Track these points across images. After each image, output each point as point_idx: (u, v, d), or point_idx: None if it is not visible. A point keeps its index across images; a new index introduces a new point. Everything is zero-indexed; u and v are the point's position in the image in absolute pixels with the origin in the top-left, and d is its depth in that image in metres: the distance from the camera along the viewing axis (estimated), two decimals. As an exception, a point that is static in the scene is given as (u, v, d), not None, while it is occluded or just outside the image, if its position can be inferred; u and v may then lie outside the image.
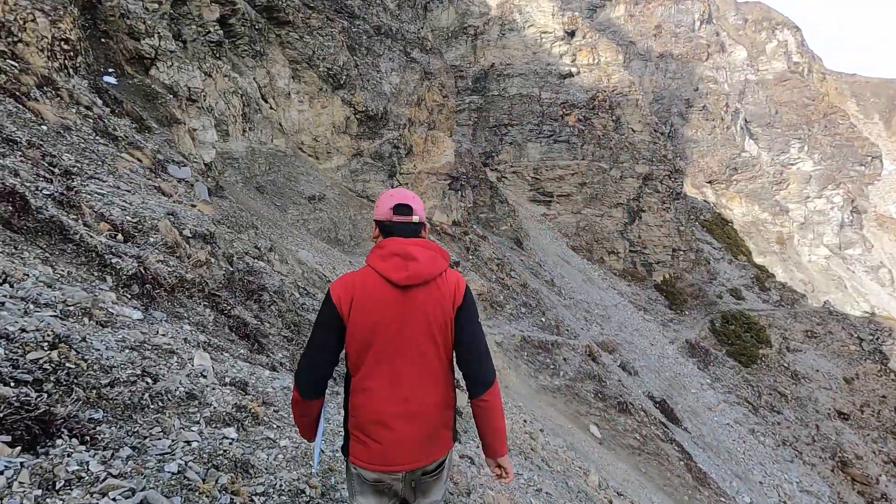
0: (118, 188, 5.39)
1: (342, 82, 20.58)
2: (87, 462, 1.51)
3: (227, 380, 3.46)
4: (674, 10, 78.27)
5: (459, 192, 26.36)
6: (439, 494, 1.86)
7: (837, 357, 35.13)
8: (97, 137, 8.24)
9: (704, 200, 54.63)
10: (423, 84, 23.43)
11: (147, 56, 12.06)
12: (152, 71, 12.32)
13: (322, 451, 1.97)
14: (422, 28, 24.40)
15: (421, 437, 1.71)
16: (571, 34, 38.99)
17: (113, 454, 1.64)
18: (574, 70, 38.62)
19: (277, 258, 10.77)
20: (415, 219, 1.77)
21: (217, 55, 17.44)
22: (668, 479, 19.77)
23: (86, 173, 5.25)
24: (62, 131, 6.34)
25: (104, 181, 5.31)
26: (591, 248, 36.79)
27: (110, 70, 11.84)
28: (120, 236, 4.47)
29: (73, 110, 8.85)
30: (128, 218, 4.93)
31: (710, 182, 73.23)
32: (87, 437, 1.61)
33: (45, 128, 5.98)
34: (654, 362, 29.97)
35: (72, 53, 9.63)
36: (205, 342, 4.12)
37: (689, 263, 39.77)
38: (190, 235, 5.50)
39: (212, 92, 17.10)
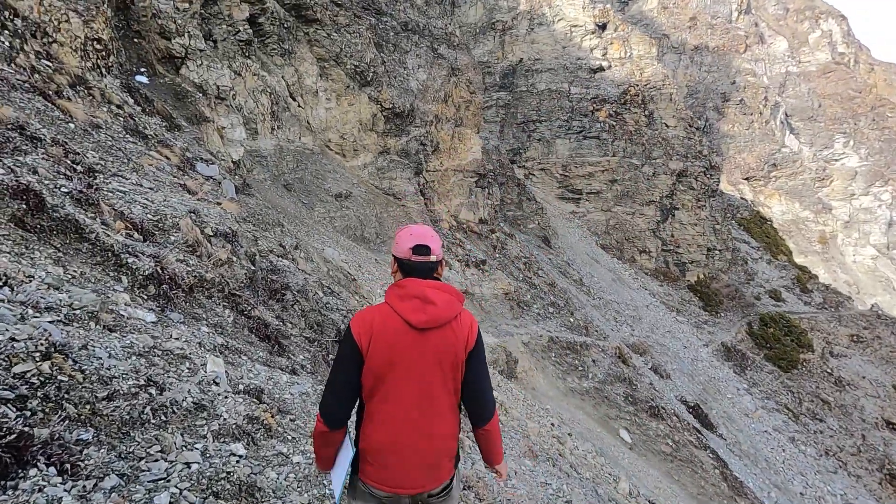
0: (141, 186, 5.33)
1: (369, 79, 20.51)
2: (60, 498, 1.32)
3: (242, 387, 3.30)
4: (710, 0, 75.66)
5: (486, 190, 26.02)
6: None
7: (886, 363, 33.23)
8: (126, 135, 8.30)
9: (742, 198, 52.64)
10: (450, 80, 23.17)
11: (177, 55, 12.19)
12: (182, 70, 12.45)
13: (346, 483, 1.93)
14: (449, 24, 24.13)
15: (425, 465, 1.84)
16: (603, 27, 38.02)
17: (95, 484, 1.45)
18: (605, 64, 37.65)
19: (302, 256, 10.72)
20: (433, 258, 1.84)
21: (246, 54, 17.60)
22: (702, 488, 19.02)
23: (109, 171, 5.20)
24: (90, 129, 6.36)
25: (127, 179, 5.25)
26: (621, 246, 35.85)
27: (142, 69, 12.02)
28: (138, 235, 4.38)
29: (105, 109, 8.95)
30: (148, 216, 4.85)
31: (747, 179, 70.62)
32: (68, 465, 1.42)
33: (72, 125, 5.99)
34: (688, 365, 28.97)
35: (104, 53, 9.76)
36: (222, 345, 3.97)
37: (725, 263, 38.32)
38: (212, 234, 5.40)
39: (241, 91, 17.27)
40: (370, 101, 20.78)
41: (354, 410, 1.90)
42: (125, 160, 5.72)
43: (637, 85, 36.49)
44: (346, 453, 1.87)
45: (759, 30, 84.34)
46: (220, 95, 12.88)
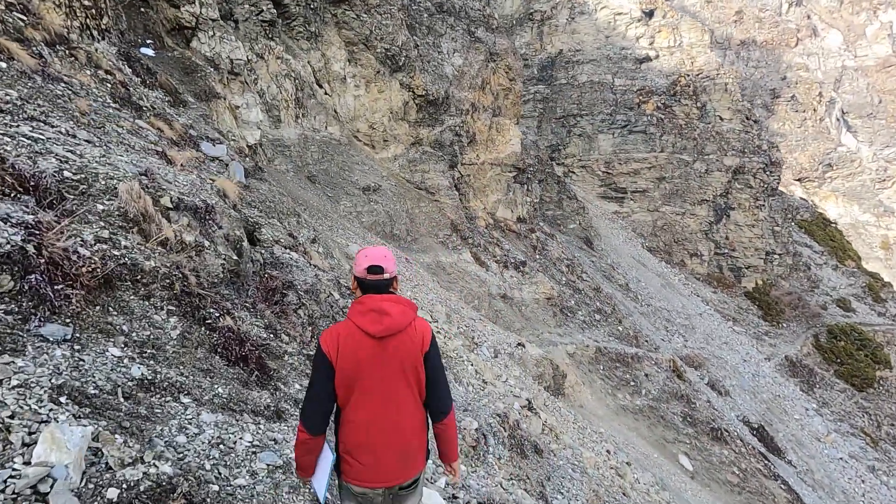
0: (73, 137, 3.71)
1: (401, 64, 18.94)
2: None
3: (125, 479, 1.56)
4: (758, -8, 71.43)
5: (525, 186, 24.05)
6: (414, 502, 2.22)
7: (977, 384, 29.33)
8: (109, 101, 6.84)
9: (801, 198, 48.74)
10: (487, 66, 21.38)
11: (187, 25, 10.86)
12: (193, 43, 11.12)
13: (330, 485, 2.06)
14: (487, 5, 22.36)
15: (397, 459, 2.05)
16: (650, 14, 35.49)
17: None
18: (652, 53, 35.10)
19: (320, 251, 9.10)
20: (386, 276, 2.03)
21: (270, 35, 16.29)
22: (778, 527, 16.49)
23: (25, 114, 3.61)
24: (36, 76, 4.86)
25: (52, 126, 3.65)
26: (669, 249, 33.14)
27: (148, 41, 10.73)
28: (28, 196, 2.72)
29: (88, 73, 7.53)
30: (68, 173, 3.19)
31: (798, 180, 65.95)
32: None
33: (3, 65, 4.49)
34: (748, 381, 26.14)
35: (94, 13, 8.43)
36: (133, 383, 2.26)
37: (786, 269, 35.00)
38: (171, 206, 3.74)
39: (263, 75, 15.96)
40: (402, 87, 19.20)
41: (333, 418, 2.08)
42: (62, 107, 4.14)
43: (688, 75, 33.79)
44: (327, 458, 2.07)
45: (812, 23, 79.18)
46: (234, 70, 11.49)
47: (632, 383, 19.26)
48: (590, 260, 27.73)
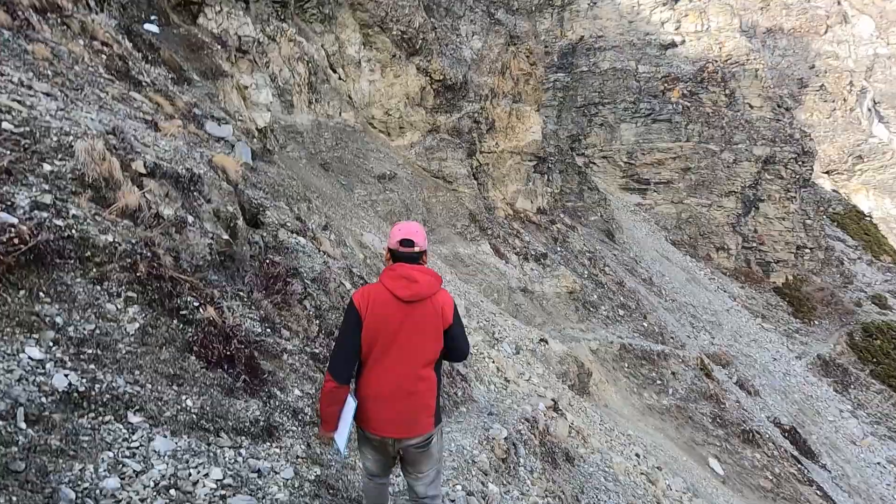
0: (28, 87, 3.06)
1: (417, 47, 18.17)
2: None
3: None
4: (788, -23, 68.76)
5: (546, 176, 23.15)
6: (427, 467, 2.32)
7: None
8: (101, 72, 6.24)
9: (833, 190, 46.80)
10: (507, 50, 20.48)
11: (194, 0, 10.25)
12: (200, 19, 10.53)
13: (351, 433, 2.24)
14: (507, -14, 21.43)
15: (406, 414, 2.18)
16: (675, -2, 34.07)
17: None
18: (678, 39, 33.70)
19: (332, 238, 8.45)
20: (416, 249, 2.24)
21: (282, 17, 15.66)
22: (816, 537, 15.52)
23: (-32, 58, 2.98)
24: (3, 30, 4.24)
25: (2, 73, 2.99)
26: (694, 243, 31.90)
27: (153, 17, 10.15)
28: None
29: (81, 42, 6.94)
30: (7, 125, 2.54)
31: (826, 172, 63.50)
32: None
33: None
34: (779, 381, 24.99)
35: (91, -20, 7.85)
36: (53, 398, 1.56)
37: (817, 263, 33.48)
38: (145, 172, 3.07)
39: (275, 58, 15.34)
40: (418, 72, 18.43)
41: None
42: (21, 57, 3.50)
43: (716, 61, 32.36)
44: (350, 408, 2.19)
45: (842, 9, 76.03)
46: (243, 48, 10.88)
47: (658, 382, 18.38)
48: (612, 253, 26.73)
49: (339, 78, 17.87)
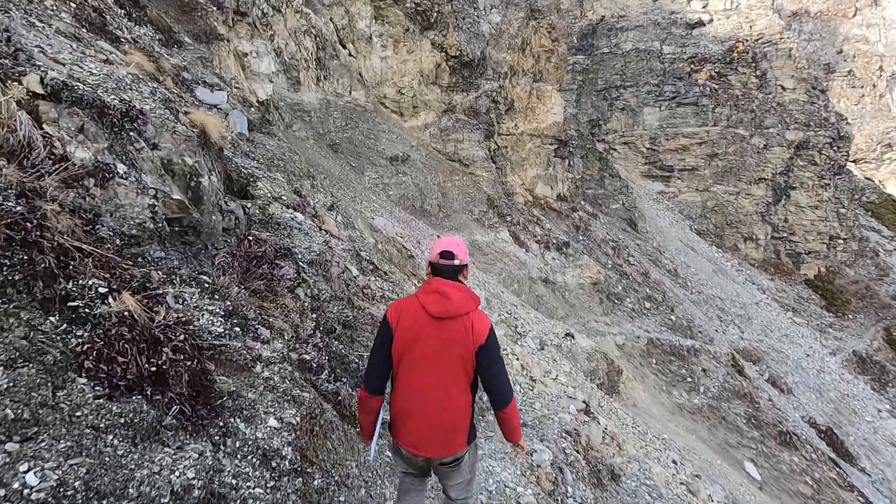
0: None
1: (432, 21, 16.98)
2: None
3: None
4: (819, -46, 65.93)
5: (567, 161, 21.90)
6: (458, 480, 2.28)
7: None
8: (63, 16, 5.23)
9: (867, 178, 44.69)
10: (528, 24, 19.19)
11: (187, -43, 9.21)
12: (194, -21, 9.48)
13: (378, 443, 2.32)
14: (528, -43, 20.06)
15: (435, 434, 2.11)
16: (703, -26, 32.25)
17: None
18: (706, 17, 31.95)
19: (339, 220, 7.44)
20: (456, 262, 2.16)
21: (287, -14, 14.59)
22: (862, 549, 14.34)
23: None
24: None
25: None
26: (721, 232, 30.41)
27: (142, -24, 9.14)
28: None
29: (45, -13, 5.93)
30: None
31: (854, 161, 61.12)
32: None
33: None
34: (813, 378, 23.64)
35: (63, -79, 6.84)
36: None
37: (851, 255, 31.79)
38: (45, 93, 2.09)
39: (281, 30, 14.31)
40: (433, 48, 17.27)
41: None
42: None
43: (746, 40, 30.59)
44: (381, 418, 2.24)
45: (873, -10, 72.73)
46: (241, 10, 9.85)
47: (688, 379, 17.23)
48: (634, 243, 25.44)
49: (350, 54, 16.79)
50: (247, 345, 2.34)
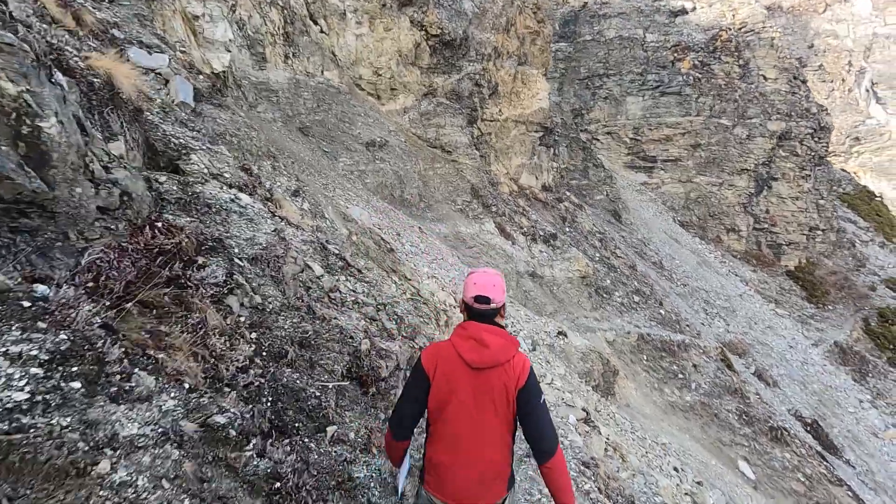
0: None
1: (411, -4, 15.77)
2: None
3: None
4: (793, -52, 66.54)
5: (552, 150, 21.02)
6: None
7: None
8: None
9: (842, 170, 45.26)
10: (513, 3, 18.13)
11: None
12: (134, -73, 8.10)
13: (405, 485, 2.29)
14: (512, -68, 18.95)
15: (475, 484, 2.00)
16: (686, -39, 31.69)
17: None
18: (689, 5, 31.46)
19: (305, 207, 6.31)
20: (492, 306, 2.02)
21: (250, -48, 13.18)
22: (859, 548, 13.98)
23: None
24: None
25: None
26: (704, 224, 30.12)
27: (68, -80, 7.71)
28: None
29: None
30: None
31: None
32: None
33: None
34: (797, 370, 23.52)
35: None
36: None
37: (829, 246, 31.96)
38: None
39: (244, 1, 12.93)
40: (412, 25, 16.06)
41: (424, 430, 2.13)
42: None
43: (729, 28, 30.19)
44: (405, 466, 2.25)
45: (842, -14, 74.00)
46: (189, -35, 8.51)
47: (680, 376, 16.65)
48: (620, 235, 24.84)
49: (321, 30, 15.46)
50: (87, 419, 1.24)
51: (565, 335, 11.57)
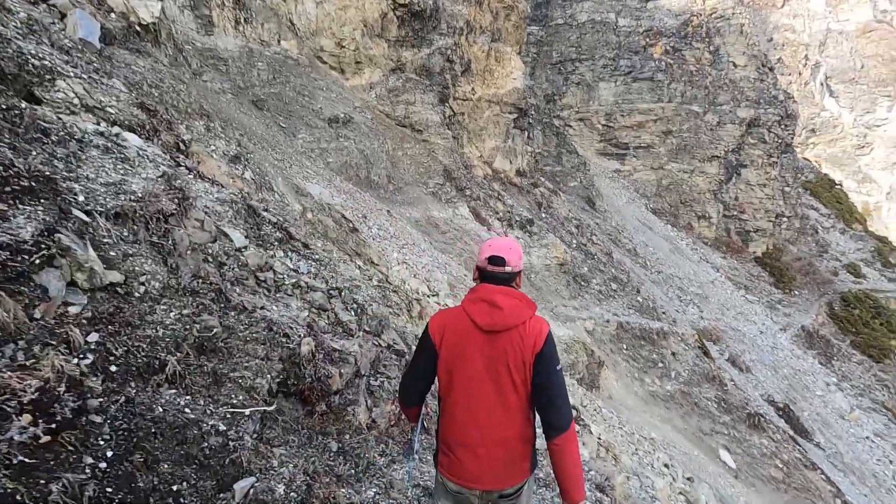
0: None
1: (377, -40, 14.52)
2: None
3: None
4: (756, -60, 67.73)
5: (526, 133, 20.18)
6: None
7: None
8: None
9: (804, 158, 46.32)
10: (486, -25, 17.08)
11: None
12: None
13: (413, 470, 2.24)
14: None
15: (495, 463, 1.80)
16: (658, -55, 31.27)
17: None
18: (660, -10, 31.10)
19: (245, 176, 5.17)
20: (507, 269, 1.84)
21: None
22: (838, 534, 13.86)
23: None
24: None
25: None
26: (676, 211, 30.04)
27: None
28: None
29: None
30: None
31: (783, 145, 64.18)
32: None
33: None
34: (768, 356, 23.66)
35: None
36: None
37: (794, 233, 32.50)
38: None
39: (185, -45, 11.43)
40: (378, -7, 14.81)
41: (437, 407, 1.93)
42: None
43: (700, 14, 30.00)
44: (416, 446, 2.04)
45: (799, -18, 76.14)
46: None
47: (660, 364, 16.20)
48: (594, 222, 24.34)
49: (277, -4, 14.03)
50: None
51: (547, 325, 10.75)
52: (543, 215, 18.50)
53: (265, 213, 3.07)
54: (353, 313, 2.92)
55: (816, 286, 29.50)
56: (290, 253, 2.92)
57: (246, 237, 2.57)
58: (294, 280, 2.69)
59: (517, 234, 15.60)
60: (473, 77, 17.11)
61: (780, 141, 30.26)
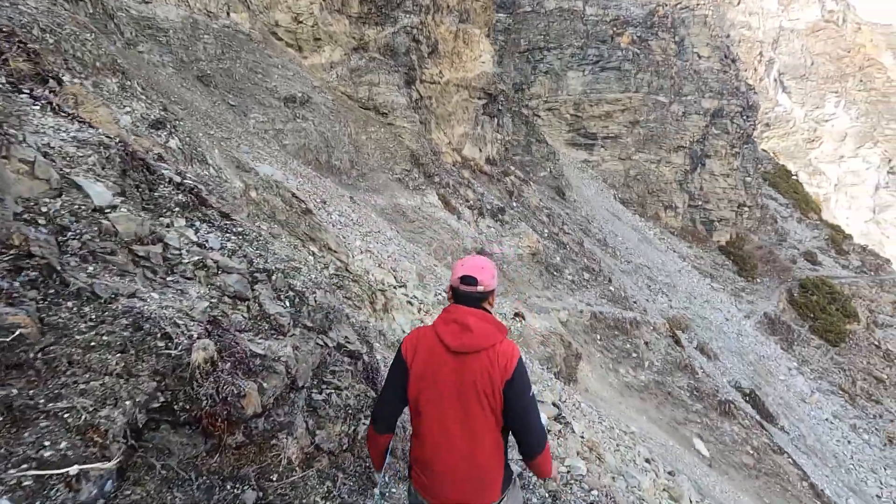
0: None
1: (336, -71, 13.50)
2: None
3: None
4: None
5: (496, 120, 19.56)
6: None
7: (936, 333, 29.16)
8: None
9: (763, 150, 47.59)
10: (453, -49, 16.28)
11: None
12: None
13: (384, 487, 2.16)
14: None
15: (465, 483, 1.79)
16: (624, -66, 31.12)
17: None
18: (627, -21, 31.01)
19: (170, 144, 4.26)
20: (479, 289, 1.82)
21: None
22: (805, 516, 13.97)
23: None
24: None
25: None
26: (643, 201, 30.16)
27: None
28: None
29: None
30: None
31: (740, 138, 66.29)
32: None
33: None
34: (734, 342, 24.00)
35: None
36: None
37: (755, 222, 33.25)
38: None
39: (116, -90, 10.13)
40: (338, -35, 13.81)
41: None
42: None
43: (665, 4, 30.06)
44: (386, 469, 2.00)
45: (754, -19, 78.47)
46: None
47: (633, 354, 15.96)
48: (565, 212, 24.03)
49: (226, -36, 12.82)
50: None
51: (523, 317, 10.18)
52: (515, 204, 17.94)
53: (164, 170, 2.24)
54: (287, 304, 2.15)
55: (777, 274, 30.27)
56: (197, 223, 2.11)
57: (118, 195, 1.75)
58: (198, 258, 1.90)
59: (488, 223, 14.98)
60: (441, 59, 16.32)
61: (741, 132, 30.78)
